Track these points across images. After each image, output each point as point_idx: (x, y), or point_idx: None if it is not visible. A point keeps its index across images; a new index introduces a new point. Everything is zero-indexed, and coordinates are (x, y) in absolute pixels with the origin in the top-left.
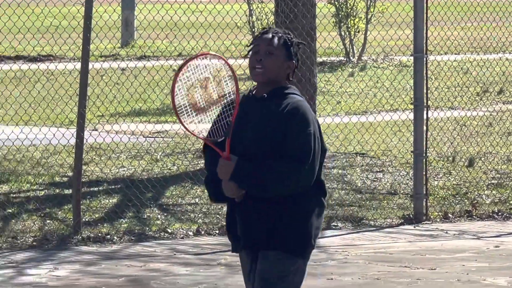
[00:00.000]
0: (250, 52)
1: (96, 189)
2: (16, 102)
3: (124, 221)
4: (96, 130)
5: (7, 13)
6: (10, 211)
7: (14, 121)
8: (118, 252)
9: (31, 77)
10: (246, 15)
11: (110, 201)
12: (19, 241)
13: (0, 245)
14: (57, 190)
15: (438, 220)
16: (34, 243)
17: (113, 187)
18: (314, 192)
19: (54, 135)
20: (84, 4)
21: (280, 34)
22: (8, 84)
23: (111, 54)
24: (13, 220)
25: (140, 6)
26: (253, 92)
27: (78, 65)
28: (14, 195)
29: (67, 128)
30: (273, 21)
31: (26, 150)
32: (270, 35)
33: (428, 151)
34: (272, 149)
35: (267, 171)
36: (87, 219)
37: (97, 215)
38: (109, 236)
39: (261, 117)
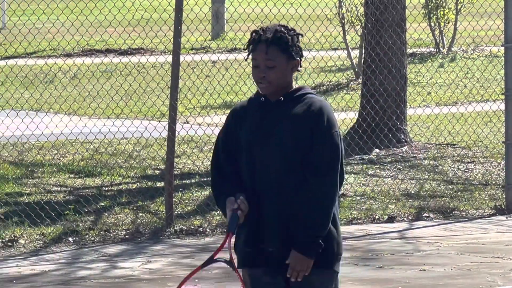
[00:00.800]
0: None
1: (188, 181)
2: (107, 96)
3: (216, 213)
4: (188, 122)
5: (98, 6)
6: (103, 204)
7: (105, 115)
8: (211, 244)
9: (122, 70)
10: (336, 7)
11: (202, 193)
12: (111, 235)
13: (93, 238)
14: (149, 183)
15: None
16: (126, 236)
17: (205, 179)
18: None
19: (146, 128)
20: None
21: (274, 39)
22: (99, 78)
23: (202, 46)
24: (105, 214)
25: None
26: (265, 97)
27: (169, 58)
28: (106, 189)
29: (159, 121)
30: (363, 12)
31: (118, 143)
32: (264, 45)
33: None
34: (300, 159)
35: (316, 220)
36: (179, 212)
37: (189, 208)
38: (201, 228)
39: (285, 122)
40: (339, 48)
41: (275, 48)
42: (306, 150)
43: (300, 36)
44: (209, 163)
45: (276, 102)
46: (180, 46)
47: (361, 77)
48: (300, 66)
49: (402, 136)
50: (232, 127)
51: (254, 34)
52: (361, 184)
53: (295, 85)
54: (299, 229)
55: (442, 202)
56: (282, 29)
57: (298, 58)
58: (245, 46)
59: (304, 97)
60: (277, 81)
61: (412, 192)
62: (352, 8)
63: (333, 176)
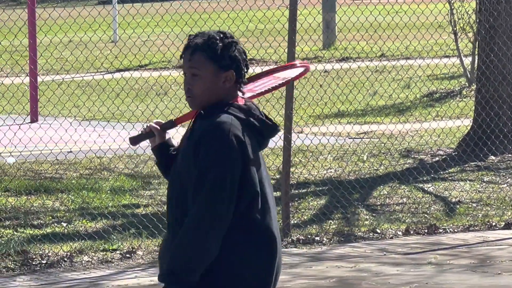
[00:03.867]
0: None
1: (304, 191)
2: None
3: (332, 222)
4: (303, 132)
5: (212, 17)
6: None
7: None
8: (327, 253)
9: None
10: (448, 14)
11: (318, 202)
12: None
13: None
14: None
15: None
16: None
17: (320, 188)
18: None
19: None
20: (288, 7)
21: (201, 46)
22: None
23: (314, 56)
24: None
25: (344, 8)
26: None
27: None
28: None
29: None
30: (475, 19)
31: None
32: (189, 51)
33: None
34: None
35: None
36: (296, 221)
37: (305, 217)
38: (318, 237)
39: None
40: (452, 55)
41: (201, 56)
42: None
43: (236, 45)
44: (324, 172)
45: (198, 116)
46: (294, 56)
47: (474, 84)
48: (240, 79)
49: None
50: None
51: (189, 36)
52: (477, 191)
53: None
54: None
55: None
56: (216, 35)
57: (231, 70)
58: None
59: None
60: (202, 95)
61: None
62: (464, 15)
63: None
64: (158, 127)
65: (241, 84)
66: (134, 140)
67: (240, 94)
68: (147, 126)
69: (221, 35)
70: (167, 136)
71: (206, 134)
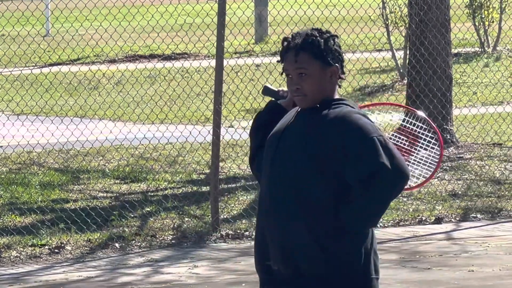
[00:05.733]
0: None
1: (233, 185)
2: (151, 101)
3: None
4: (232, 126)
5: (141, 12)
6: (148, 209)
7: (150, 120)
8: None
9: (166, 75)
10: (380, 8)
11: (248, 197)
12: (157, 240)
13: (139, 244)
14: (195, 188)
15: None
16: (172, 241)
17: (250, 183)
18: None
19: (190, 132)
20: (217, 1)
21: (304, 45)
22: (143, 83)
23: (245, 50)
24: (151, 219)
25: (273, 2)
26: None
27: (213, 63)
28: (151, 194)
29: (203, 126)
30: (407, 13)
31: (162, 149)
32: (293, 52)
33: None
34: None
35: None
36: (225, 216)
37: (235, 212)
38: (247, 232)
39: (302, 134)
40: (383, 49)
41: (306, 55)
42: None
43: (336, 38)
44: None
45: (310, 109)
46: (223, 50)
47: (406, 78)
48: (342, 73)
49: (449, 137)
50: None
51: (284, 42)
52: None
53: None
54: None
55: (490, 202)
56: (314, 32)
57: (336, 64)
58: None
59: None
60: (313, 93)
61: (459, 192)
62: (395, 9)
63: None
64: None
65: (341, 77)
66: (267, 91)
67: (338, 88)
68: (286, 91)
69: (319, 32)
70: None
71: (344, 118)
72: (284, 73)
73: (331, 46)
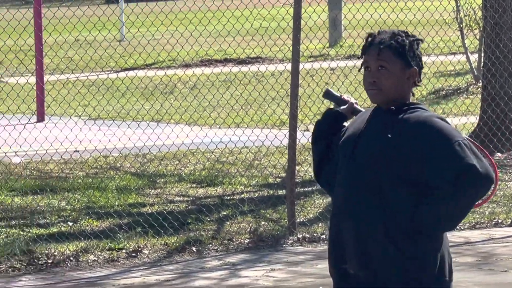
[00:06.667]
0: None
1: (309, 189)
2: (227, 105)
3: None
4: (308, 130)
5: (217, 16)
6: (225, 213)
7: (226, 124)
8: None
9: (241, 79)
10: (454, 11)
11: (324, 200)
12: (234, 243)
13: (216, 247)
14: (271, 191)
15: None
16: (249, 244)
17: None
18: None
19: (266, 136)
20: (293, 5)
21: (389, 41)
22: (219, 87)
23: (320, 54)
24: (227, 222)
25: (349, 5)
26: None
27: (288, 66)
28: (228, 198)
29: (279, 129)
30: (481, 16)
31: (239, 152)
32: (377, 47)
33: None
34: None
35: None
36: (301, 220)
37: (311, 215)
38: (324, 235)
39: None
40: (458, 52)
41: (389, 51)
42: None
43: (420, 43)
44: None
45: (386, 111)
46: (299, 54)
47: (480, 81)
48: (420, 80)
49: None
50: (342, 133)
51: (368, 37)
52: None
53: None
54: None
55: None
56: (401, 33)
57: (416, 67)
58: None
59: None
60: (389, 89)
61: None
62: (470, 12)
63: None
64: (353, 106)
65: (417, 83)
66: (328, 94)
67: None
68: (347, 96)
69: (405, 33)
70: (347, 121)
71: (426, 123)
72: (362, 68)
73: (414, 49)
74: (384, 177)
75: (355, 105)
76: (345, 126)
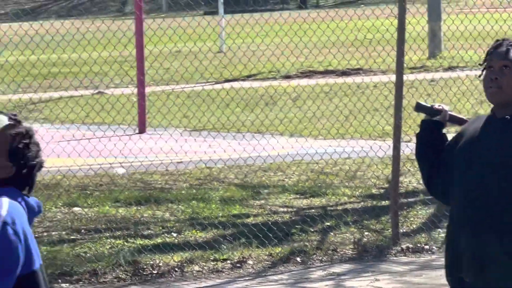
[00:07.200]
0: (484, 71)
1: (412, 200)
2: (332, 116)
3: (441, 230)
4: (412, 141)
5: (321, 27)
6: (329, 224)
7: (330, 135)
8: (436, 262)
9: (346, 90)
10: None
11: (427, 211)
12: (338, 253)
13: (320, 258)
14: (374, 202)
15: None
16: (353, 255)
17: (429, 197)
18: None
19: (371, 147)
20: (397, 16)
21: None
22: (323, 99)
23: (421, 65)
24: (331, 233)
25: (448, 18)
26: (493, 112)
27: (392, 77)
28: (331, 208)
29: (383, 140)
30: None
31: (343, 163)
32: (504, 48)
33: None
34: None
35: None
36: (404, 230)
37: (414, 226)
38: (427, 246)
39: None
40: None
41: None
42: None
43: None
44: None
45: (501, 120)
46: (403, 65)
47: None
48: None
49: None
50: (452, 140)
51: (497, 41)
52: None
53: None
54: None
55: None
56: None
57: None
58: (484, 56)
59: None
60: (509, 88)
61: None
62: None
63: None
64: (447, 113)
65: None
66: (419, 107)
67: None
68: (439, 105)
69: None
70: (445, 128)
71: None
72: (485, 69)
73: None
74: (505, 186)
75: (449, 112)
76: (444, 133)
